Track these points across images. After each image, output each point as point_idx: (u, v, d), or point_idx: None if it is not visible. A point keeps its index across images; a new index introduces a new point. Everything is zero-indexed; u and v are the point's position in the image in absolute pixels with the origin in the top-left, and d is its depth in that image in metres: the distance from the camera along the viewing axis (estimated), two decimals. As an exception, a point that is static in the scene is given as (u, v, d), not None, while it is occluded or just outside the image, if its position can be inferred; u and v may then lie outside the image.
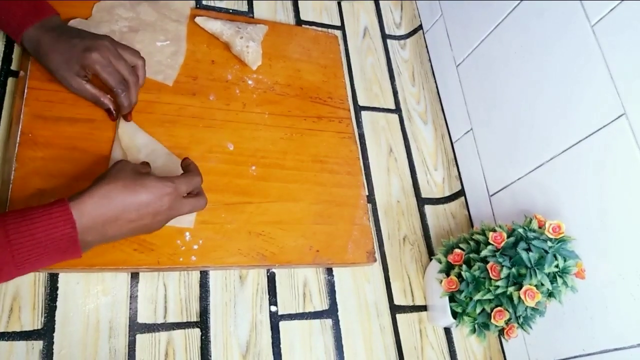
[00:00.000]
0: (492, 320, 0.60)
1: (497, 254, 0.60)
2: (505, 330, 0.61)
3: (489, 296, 0.60)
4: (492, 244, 0.61)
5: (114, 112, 0.62)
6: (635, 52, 0.54)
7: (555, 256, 0.58)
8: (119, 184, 0.50)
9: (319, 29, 0.88)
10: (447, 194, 0.84)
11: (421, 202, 0.81)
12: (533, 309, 0.59)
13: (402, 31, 0.97)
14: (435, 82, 0.89)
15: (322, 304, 0.67)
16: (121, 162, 0.54)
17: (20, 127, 0.58)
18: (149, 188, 0.51)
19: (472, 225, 0.79)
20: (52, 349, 0.54)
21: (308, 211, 0.69)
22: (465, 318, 0.63)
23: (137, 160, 0.61)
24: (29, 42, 0.58)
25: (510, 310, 0.59)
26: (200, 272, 0.63)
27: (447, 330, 0.73)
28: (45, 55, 0.57)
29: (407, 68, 0.93)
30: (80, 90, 0.59)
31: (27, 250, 0.45)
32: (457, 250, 0.65)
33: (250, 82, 0.75)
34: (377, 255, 0.74)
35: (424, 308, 0.73)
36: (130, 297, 0.59)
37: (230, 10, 0.82)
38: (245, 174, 0.68)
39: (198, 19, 0.75)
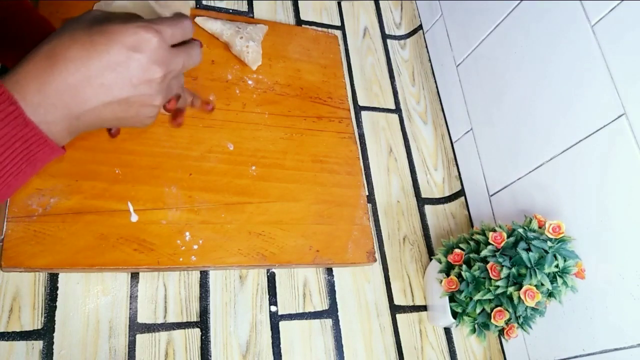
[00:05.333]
0: (492, 320, 0.60)
1: (497, 254, 0.60)
2: (505, 330, 0.61)
3: (489, 296, 0.60)
4: (492, 244, 0.61)
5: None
6: (635, 52, 0.54)
7: (555, 256, 0.58)
8: (64, 36, 0.34)
9: (319, 29, 0.88)
10: (447, 194, 0.84)
11: (421, 202, 0.81)
12: (533, 309, 0.59)
13: (402, 31, 0.97)
14: (435, 82, 0.89)
15: (322, 304, 0.67)
16: (85, 12, 0.37)
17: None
18: (113, 34, 0.35)
19: (472, 225, 0.79)
20: (52, 349, 0.54)
21: (308, 211, 0.69)
22: (465, 318, 0.63)
23: None
24: None
25: (510, 310, 0.59)
26: (200, 272, 0.63)
27: (447, 330, 0.73)
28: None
29: (407, 68, 0.93)
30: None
31: None
32: (457, 250, 0.65)
33: (250, 82, 0.75)
34: (377, 255, 0.74)
35: (424, 308, 0.73)
36: (130, 297, 0.59)
37: (230, 10, 0.82)
38: (245, 174, 0.68)
39: (198, 19, 0.75)
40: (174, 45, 0.38)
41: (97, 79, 0.35)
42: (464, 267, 0.62)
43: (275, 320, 0.64)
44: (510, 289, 0.58)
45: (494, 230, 0.62)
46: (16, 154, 0.34)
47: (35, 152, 0.35)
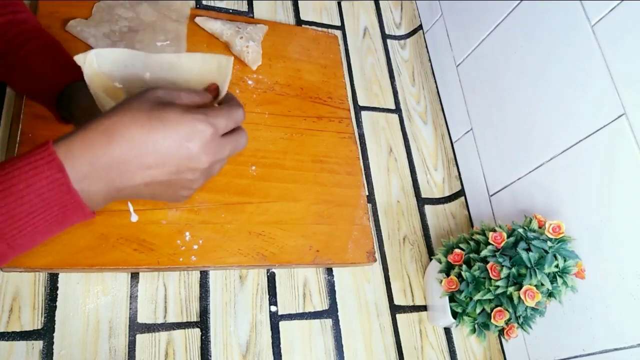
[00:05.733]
0: (492, 320, 0.60)
1: (497, 254, 0.60)
2: (505, 330, 0.61)
3: (489, 296, 0.60)
4: (492, 244, 0.61)
5: None
6: (635, 52, 0.54)
7: (555, 256, 0.58)
8: (126, 116, 0.36)
9: (319, 29, 0.88)
10: (447, 194, 0.84)
11: (421, 202, 0.81)
12: (533, 309, 0.59)
13: (402, 31, 0.97)
14: (435, 82, 0.89)
15: (322, 304, 0.67)
16: (148, 89, 0.39)
17: (20, 127, 0.58)
18: (171, 123, 0.36)
19: (472, 225, 0.79)
20: (52, 349, 0.54)
21: (308, 211, 0.69)
22: (465, 318, 0.63)
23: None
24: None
25: (510, 310, 0.59)
26: (200, 272, 0.63)
27: (447, 330, 0.73)
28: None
29: (407, 68, 0.93)
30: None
31: (10, 214, 0.34)
32: (457, 250, 0.65)
33: (250, 82, 0.75)
34: (377, 255, 0.74)
35: (424, 308, 0.73)
36: (130, 297, 0.59)
37: (230, 10, 0.82)
38: (245, 174, 0.68)
39: (198, 19, 0.75)
40: (224, 134, 0.40)
41: (146, 160, 0.36)
42: (464, 267, 0.62)
43: (275, 320, 0.64)
44: (510, 289, 0.58)
45: (494, 230, 0.62)
46: (52, 216, 0.36)
47: (69, 215, 0.37)
